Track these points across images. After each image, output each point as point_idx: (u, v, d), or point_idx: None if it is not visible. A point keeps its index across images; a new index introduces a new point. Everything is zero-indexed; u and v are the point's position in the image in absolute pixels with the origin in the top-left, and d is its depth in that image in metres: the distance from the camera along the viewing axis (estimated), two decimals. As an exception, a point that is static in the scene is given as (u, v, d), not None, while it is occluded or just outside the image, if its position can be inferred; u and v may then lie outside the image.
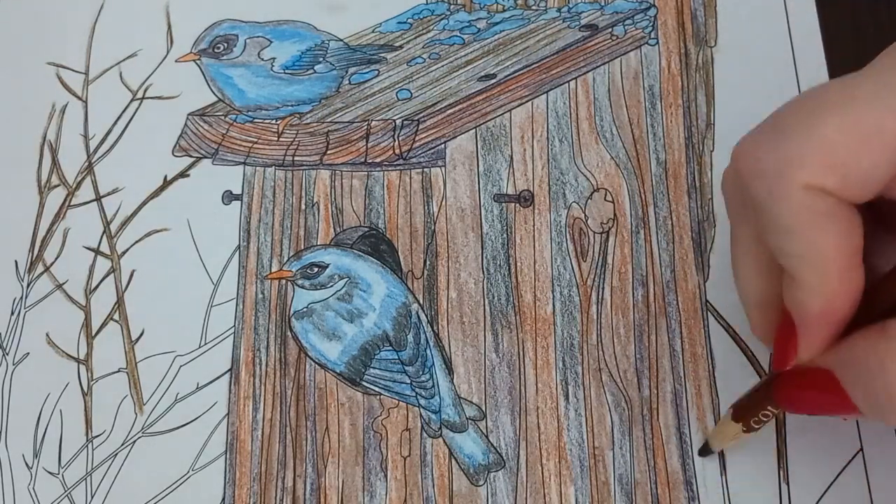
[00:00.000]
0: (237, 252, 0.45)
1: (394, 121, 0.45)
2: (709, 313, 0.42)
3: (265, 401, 0.43)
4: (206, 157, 0.47)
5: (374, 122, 0.45)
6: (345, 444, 0.42)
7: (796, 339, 0.32)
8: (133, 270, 0.45)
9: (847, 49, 0.47)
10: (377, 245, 0.44)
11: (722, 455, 0.40)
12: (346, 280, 0.43)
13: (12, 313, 0.45)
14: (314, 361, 0.43)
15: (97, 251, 0.46)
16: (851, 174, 0.29)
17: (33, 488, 0.42)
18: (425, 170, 0.45)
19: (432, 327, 0.43)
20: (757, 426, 0.37)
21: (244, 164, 0.46)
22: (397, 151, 0.44)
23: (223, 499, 0.41)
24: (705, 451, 0.40)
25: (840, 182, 0.29)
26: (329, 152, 0.45)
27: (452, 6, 0.49)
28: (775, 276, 0.32)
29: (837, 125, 0.28)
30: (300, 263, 0.44)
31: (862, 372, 0.30)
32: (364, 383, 0.42)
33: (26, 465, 0.43)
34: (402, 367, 0.42)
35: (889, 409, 0.30)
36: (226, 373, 0.43)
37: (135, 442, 0.43)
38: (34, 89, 0.49)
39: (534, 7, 0.48)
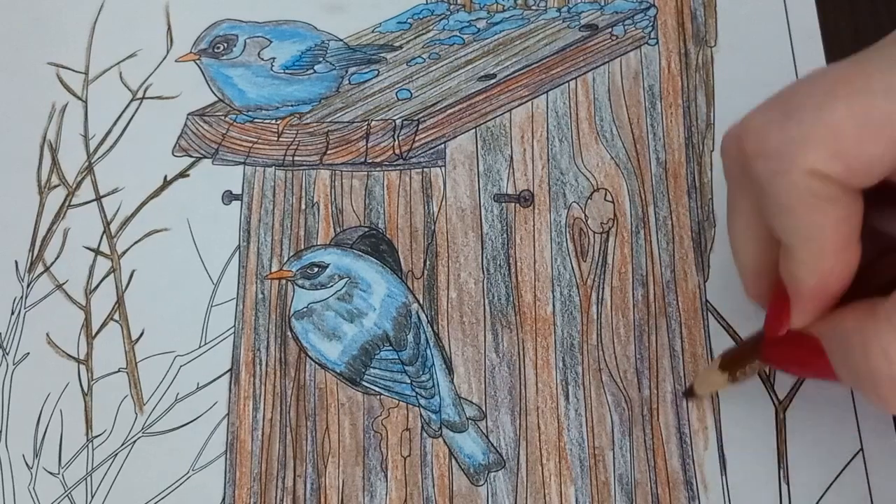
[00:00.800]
0: (237, 252, 0.45)
1: (394, 121, 0.45)
2: (709, 313, 0.42)
3: (265, 401, 0.43)
4: (206, 157, 0.47)
5: (373, 122, 0.45)
6: (345, 444, 0.42)
7: (789, 308, 0.32)
8: (133, 270, 0.45)
9: (847, 49, 0.46)
10: (377, 245, 0.44)
11: (722, 456, 0.40)
12: (346, 280, 0.43)
13: (12, 313, 0.45)
14: (314, 361, 0.43)
15: (97, 251, 0.46)
16: (856, 162, 0.29)
17: (33, 488, 0.42)
18: (425, 170, 0.45)
19: (432, 327, 0.43)
20: (741, 378, 0.38)
21: (244, 164, 0.46)
22: (397, 151, 0.44)
23: (223, 499, 0.41)
24: (690, 393, 0.41)
25: (844, 169, 0.29)
26: (329, 152, 0.45)
27: (452, 6, 0.49)
28: (771, 246, 0.33)
29: (846, 113, 0.28)
30: (300, 263, 0.44)
31: (846, 346, 0.31)
32: (364, 383, 0.42)
33: (26, 465, 0.43)
34: (402, 367, 0.42)
35: (868, 385, 0.30)
36: (226, 373, 0.43)
37: (135, 442, 0.43)
38: (34, 89, 0.49)
39: (534, 7, 0.48)
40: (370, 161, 0.45)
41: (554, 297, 0.43)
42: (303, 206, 0.45)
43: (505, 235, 0.44)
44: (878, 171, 0.29)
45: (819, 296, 0.31)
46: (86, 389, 0.44)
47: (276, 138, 0.46)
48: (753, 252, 0.34)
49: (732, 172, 0.33)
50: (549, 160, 0.45)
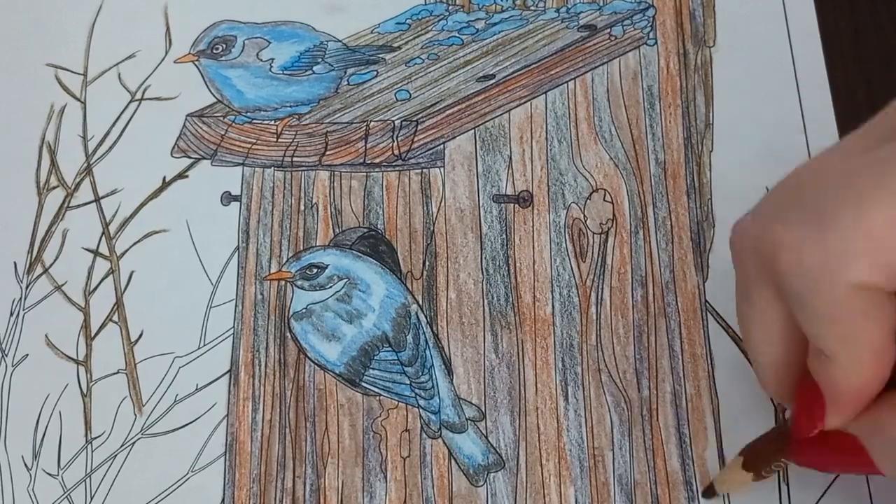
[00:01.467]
0: (236, 253, 0.45)
1: (392, 121, 0.45)
2: (708, 313, 0.42)
3: (264, 402, 0.43)
4: (204, 158, 0.47)
5: (372, 123, 0.45)
6: (344, 445, 0.42)
7: (823, 409, 0.31)
8: (132, 271, 0.45)
9: (846, 49, 0.47)
10: (376, 246, 0.44)
11: (722, 456, 0.40)
12: (345, 281, 0.43)
13: (11, 314, 0.45)
14: (313, 362, 0.43)
15: (96, 252, 0.46)
16: None
17: (32, 490, 0.42)
18: (424, 170, 0.45)
19: (431, 328, 0.43)
20: (767, 475, 0.36)
21: (243, 165, 0.46)
22: (396, 152, 0.44)
23: (223, 500, 0.41)
24: (709, 493, 0.39)
25: (888, 276, 0.28)
26: (328, 153, 0.45)
27: (451, 7, 0.49)
28: (796, 342, 0.32)
29: (885, 221, 0.27)
30: (299, 264, 0.44)
31: (888, 441, 0.30)
32: (363, 384, 0.42)
33: (25, 466, 0.43)
34: (401, 368, 0.42)
35: None
36: (225, 374, 0.43)
37: (134, 443, 0.43)
38: (33, 90, 0.49)
39: (532, 7, 0.48)
40: (369, 162, 0.44)
41: (553, 297, 0.43)
42: (302, 207, 0.45)
43: (504, 236, 0.44)
44: None
45: (857, 397, 0.31)
46: (85, 391, 0.44)
47: (274, 139, 0.46)
48: (773, 346, 0.33)
49: (749, 267, 0.32)
50: (548, 161, 0.45)
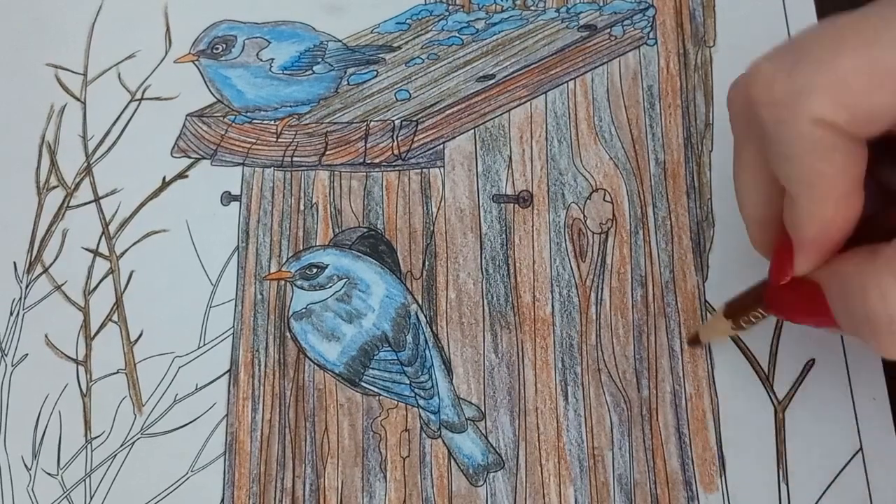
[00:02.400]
0: (236, 253, 0.45)
1: (392, 121, 0.45)
2: (708, 313, 0.42)
3: (264, 402, 0.43)
4: (204, 158, 0.47)
5: (372, 123, 0.45)
6: (344, 445, 0.42)
7: (792, 256, 0.33)
8: (132, 271, 0.45)
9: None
10: (376, 246, 0.44)
11: (721, 456, 0.40)
12: (344, 281, 0.43)
13: (11, 314, 0.45)
14: (313, 362, 0.43)
15: (96, 252, 0.46)
16: (861, 111, 0.29)
17: (32, 489, 0.42)
18: (424, 170, 0.45)
19: (431, 328, 0.43)
20: (745, 325, 0.38)
21: (243, 164, 0.46)
22: (396, 152, 0.44)
23: (222, 499, 0.41)
24: (694, 341, 0.41)
25: (849, 118, 0.29)
26: (328, 153, 0.45)
27: (451, 7, 0.49)
28: (776, 195, 0.33)
29: (854, 62, 0.29)
30: (299, 264, 0.44)
31: (845, 291, 0.31)
32: (363, 384, 0.42)
33: (25, 466, 0.43)
34: (401, 368, 0.42)
35: (865, 329, 0.31)
36: (225, 374, 0.43)
37: (134, 443, 0.43)
38: (33, 90, 0.49)
39: (532, 7, 0.48)
40: (369, 162, 0.44)
41: (553, 297, 0.43)
42: (301, 207, 0.45)
43: (504, 236, 0.44)
44: (882, 121, 0.29)
45: (821, 243, 0.32)
46: (84, 390, 0.44)
47: (274, 139, 0.46)
48: (758, 201, 0.34)
49: (738, 121, 0.34)
50: (547, 160, 0.45)
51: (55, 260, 0.46)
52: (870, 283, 0.30)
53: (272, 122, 0.46)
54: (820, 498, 0.39)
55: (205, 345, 0.44)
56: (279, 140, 0.46)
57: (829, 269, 0.32)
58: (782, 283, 0.34)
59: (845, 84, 0.29)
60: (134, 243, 0.46)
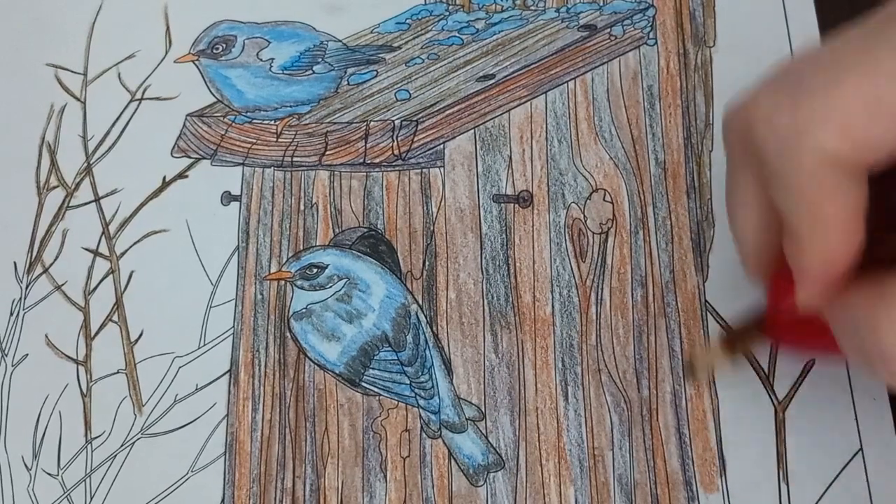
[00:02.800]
0: (236, 253, 0.45)
1: (392, 121, 0.45)
2: (708, 313, 0.42)
3: (264, 402, 0.43)
4: (204, 158, 0.47)
5: (372, 123, 0.45)
6: (344, 445, 0.42)
7: (793, 287, 0.32)
8: (132, 271, 0.45)
9: (846, 49, 0.47)
10: (376, 246, 0.44)
11: (722, 456, 0.40)
12: (345, 281, 0.43)
13: (11, 314, 0.45)
14: (313, 362, 0.43)
15: (96, 252, 0.46)
16: (864, 143, 0.29)
17: (32, 490, 0.42)
18: (424, 170, 0.45)
19: (431, 328, 0.43)
20: (743, 355, 0.38)
21: (243, 164, 0.46)
22: (396, 152, 0.44)
23: (222, 500, 0.41)
24: (689, 372, 0.41)
25: (853, 150, 0.29)
26: (328, 153, 0.45)
27: (451, 7, 0.49)
28: (773, 223, 0.33)
29: (855, 95, 0.29)
30: (299, 264, 0.44)
31: (854, 325, 0.31)
32: (363, 384, 0.42)
33: (25, 466, 0.43)
34: (401, 368, 0.42)
35: (877, 363, 0.30)
36: (225, 374, 0.43)
37: (134, 443, 0.43)
38: (33, 90, 0.49)
39: (532, 7, 0.48)
40: (369, 162, 0.44)
41: (553, 297, 0.43)
42: (302, 207, 0.45)
43: (504, 236, 0.44)
44: (885, 151, 0.29)
45: (825, 276, 0.31)
46: (85, 391, 0.44)
47: (274, 139, 0.46)
48: (755, 229, 0.34)
49: (735, 147, 0.33)
50: (548, 160, 0.45)
51: (55, 260, 0.46)
52: (881, 317, 0.30)
53: (272, 122, 0.46)
54: (820, 498, 0.39)
55: (205, 345, 0.44)
56: (279, 140, 0.46)
57: (835, 308, 0.32)
58: (784, 315, 0.34)
59: (847, 116, 0.29)
60: (134, 243, 0.46)
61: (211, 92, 0.48)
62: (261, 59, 0.48)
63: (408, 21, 0.49)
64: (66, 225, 0.47)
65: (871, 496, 0.39)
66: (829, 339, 0.32)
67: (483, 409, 0.42)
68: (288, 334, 0.43)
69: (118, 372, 0.44)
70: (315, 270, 0.43)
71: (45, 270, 0.46)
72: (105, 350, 0.44)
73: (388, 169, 0.45)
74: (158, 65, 0.49)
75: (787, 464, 0.40)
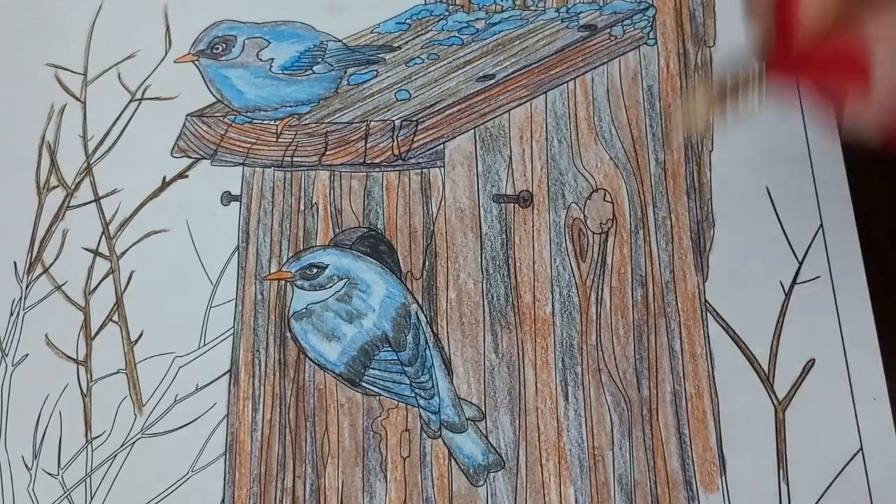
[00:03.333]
0: (236, 253, 0.45)
1: (392, 121, 0.45)
2: (708, 313, 0.42)
3: (264, 402, 0.43)
4: (204, 158, 0.47)
5: (372, 123, 0.45)
6: (344, 445, 0.42)
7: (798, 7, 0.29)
8: (132, 271, 0.45)
9: (846, 49, 0.47)
10: (376, 246, 0.44)
11: (722, 456, 0.40)
12: (345, 281, 0.43)
13: (11, 314, 0.45)
14: (313, 362, 0.43)
15: (96, 252, 0.46)
16: None
17: (33, 489, 0.42)
18: (424, 170, 0.45)
19: (431, 328, 0.43)
20: (734, 104, 0.34)
21: (243, 164, 0.46)
22: (396, 152, 0.44)
23: (223, 499, 0.41)
24: (686, 118, 0.39)
25: None
26: (328, 153, 0.45)
27: (451, 7, 0.49)
28: None
29: None
30: (299, 264, 0.44)
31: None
32: (363, 384, 0.42)
33: (26, 466, 0.43)
34: (401, 368, 0.42)
35: None
36: (225, 374, 0.43)
37: (134, 443, 0.43)
38: (33, 90, 0.49)
39: (532, 7, 0.48)
40: (369, 162, 0.44)
41: (553, 297, 0.43)
42: (302, 207, 0.45)
43: (504, 236, 0.44)
44: None
45: None
46: (85, 390, 0.44)
47: (274, 139, 0.46)
48: None
49: None
50: (548, 161, 0.45)
51: (55, 260, 0.46)
52: None
53: (272, 122, 0.46)
54: (820, 498, 0.39)
55: (205, 345, 0.44)
56: (279, 140, 0.46)
57: (880, 26, 0.29)
58: (790, 45, 0.30)
59: None
60: (134, 243, 0.46)
61: (211, 92, 0.48)
62: (261, 59, 0.48)
63: (408, 21, 0.49)
64: (66, 225, 0.47)
65: (871, 496, 0.39)
66: (835, 72, 0.29)
67: (483, 409, 0.42)
68: (288, 334, 0.43)
69: (118, 372, 0.44)
70: (315, 270, 0.43)
71: (46, 270, 0.46)
72: (105, 350, 0.44)
73: (388, 169, 0.45)
74: (158, 65, 0.49)
75: (787, 464, 0.40)
